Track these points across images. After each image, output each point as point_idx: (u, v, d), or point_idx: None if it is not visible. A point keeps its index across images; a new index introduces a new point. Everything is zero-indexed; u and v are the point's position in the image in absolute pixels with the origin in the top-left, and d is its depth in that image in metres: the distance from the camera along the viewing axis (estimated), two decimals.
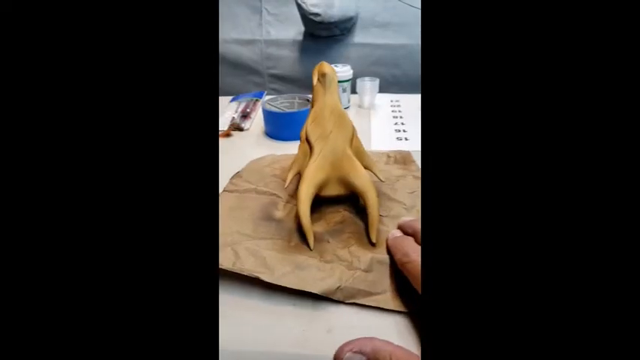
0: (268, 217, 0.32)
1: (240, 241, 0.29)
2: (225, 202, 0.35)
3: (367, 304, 0.24)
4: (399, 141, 0.50)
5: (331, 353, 0.22)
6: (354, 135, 0.33)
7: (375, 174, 0.34)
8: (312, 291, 0.24)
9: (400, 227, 0.29)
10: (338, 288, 0.25)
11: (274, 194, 0.36)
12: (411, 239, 0.26)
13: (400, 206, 0.33)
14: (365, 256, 0.27)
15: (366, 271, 0.26)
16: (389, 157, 0.43)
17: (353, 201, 0.33)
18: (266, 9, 1.01)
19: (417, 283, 0.22)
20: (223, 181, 0.39)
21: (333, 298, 0.25)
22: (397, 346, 0.20)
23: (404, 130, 0.53)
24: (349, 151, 0.31)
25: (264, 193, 0.36)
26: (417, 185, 0.37)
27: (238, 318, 0.24)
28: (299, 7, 0.89)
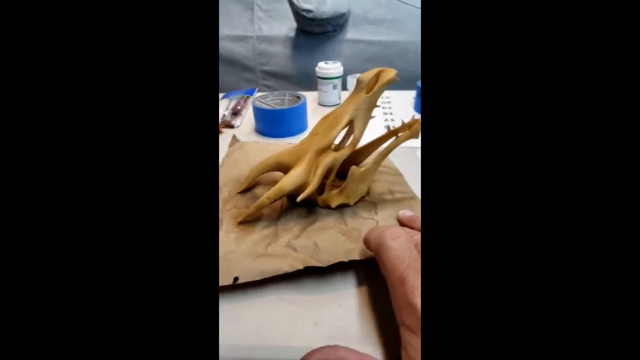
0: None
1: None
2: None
3: None
4: None
5: (318, 344, 0.22)
6: (328, 150, 0.32)
7: (302, 192, 0.31)
8: None
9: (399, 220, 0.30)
10: None
11: None
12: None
13: (288, 234, 0.31)
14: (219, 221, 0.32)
15: None
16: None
17: (307, 202, 0.34)
18: (258, 5, 1.01)
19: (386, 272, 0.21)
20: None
21: None
22: (363, 355, 0.19)
23: (393, 127, 0.53)
24: (308, 157, 0.31)
25: None
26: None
27: (228, 312, 0.25)
28: (291, 3, 0.89)
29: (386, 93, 0.68)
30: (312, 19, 0.89)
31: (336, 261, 0.26)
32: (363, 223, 0.32)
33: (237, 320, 0.24)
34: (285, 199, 0.35)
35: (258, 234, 0.31)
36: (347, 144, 0.33)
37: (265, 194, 0.31)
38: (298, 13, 0.90)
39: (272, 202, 0.31)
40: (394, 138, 0.33)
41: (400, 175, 0.40)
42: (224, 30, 1.02)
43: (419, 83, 0.58)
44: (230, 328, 0.24)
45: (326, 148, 0.31)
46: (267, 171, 0.36)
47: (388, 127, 0.35)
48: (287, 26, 1.00)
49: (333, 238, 0.29)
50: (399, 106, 0.62)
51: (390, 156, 0.43)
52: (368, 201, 0.35)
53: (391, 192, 0.37)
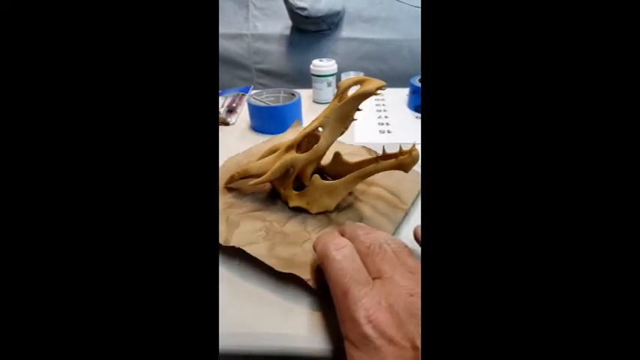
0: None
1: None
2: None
3: None
4: (382, 134, 0.51)
5: (313, 332, 0.23)
6: (293, 146, 0.32)
7: (259, 180, 0.33)
8: None
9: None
10: None
11: None
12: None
13: (236, 209, 0.33)
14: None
15: None
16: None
17: (275, 194, 0.35)
18: (253, 3, 1.01)
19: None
20: None
21: None
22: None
23: (387, 124, 0.54)
24: (280, 151, 0.33)
25: None
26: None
27: (221, 300, 0.25)
28: (285, 1, 0.89)
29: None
30: (306, 17, 0.90)
31: (232, 245, 0.28)
32: (298, 234, 0.29)
33: (230, 308, 0.25)
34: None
35: (223, 200, 0.34)
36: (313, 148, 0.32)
37: (236, 171, 0.35)
38: (293, 11, 0.90)
39: (239, 179, 0.35)
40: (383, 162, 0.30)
41: (402, 210, 0.32)
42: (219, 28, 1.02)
43: (413, 80, 0.59)
44: (223, 316, 0.24)
45: (292, 146, 0.32)
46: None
47: (384, 150, 0.31)
48: (282, 24, 1.00)
49: (254, 229, 0.30)
50: (392, 103, 0.63)
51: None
52: (329, 217, 0.32)
53: (361, 220, 0.31)
